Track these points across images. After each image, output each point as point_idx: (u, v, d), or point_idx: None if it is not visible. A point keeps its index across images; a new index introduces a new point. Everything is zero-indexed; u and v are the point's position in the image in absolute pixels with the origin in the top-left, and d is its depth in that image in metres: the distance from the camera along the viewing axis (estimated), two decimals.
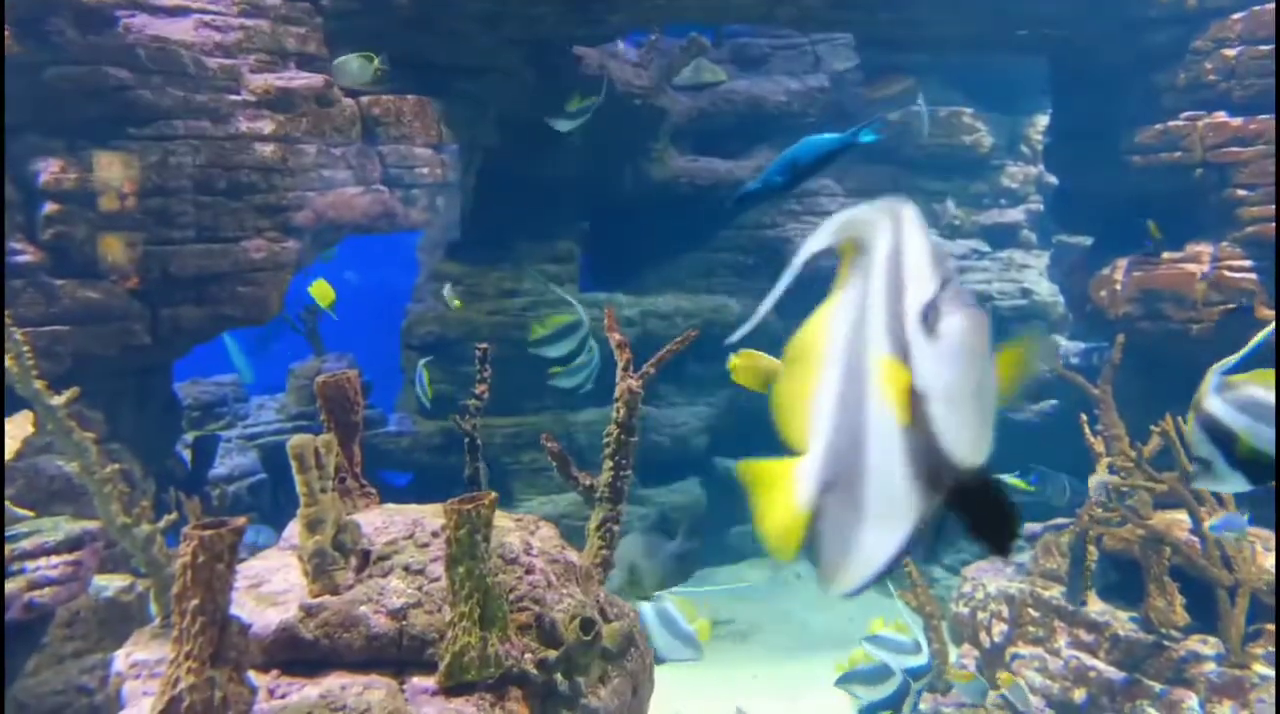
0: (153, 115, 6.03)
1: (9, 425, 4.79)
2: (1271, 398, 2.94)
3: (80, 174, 5.79)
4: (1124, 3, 7.45)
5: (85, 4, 5.74)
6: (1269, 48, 6.92)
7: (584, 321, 8.22)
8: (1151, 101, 7.57)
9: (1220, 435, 2.99)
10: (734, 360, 5.16)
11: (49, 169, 5.72)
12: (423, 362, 8.76)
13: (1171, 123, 7.40)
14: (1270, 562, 5.55)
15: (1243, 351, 3.23)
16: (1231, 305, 7.06)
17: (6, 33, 5.48)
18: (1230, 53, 7.10)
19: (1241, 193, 7.03)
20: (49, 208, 5.74)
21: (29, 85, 5.60)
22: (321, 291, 8.29)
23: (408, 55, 7.40)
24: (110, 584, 5.03)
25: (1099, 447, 6.10)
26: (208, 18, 6.52)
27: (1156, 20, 7.44)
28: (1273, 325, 3.43)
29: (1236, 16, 7.09)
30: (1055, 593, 6.25)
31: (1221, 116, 7.16)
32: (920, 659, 5.83)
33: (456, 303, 8.31)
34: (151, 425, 6.73)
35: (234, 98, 6.39)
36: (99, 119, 5.88)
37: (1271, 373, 2.97)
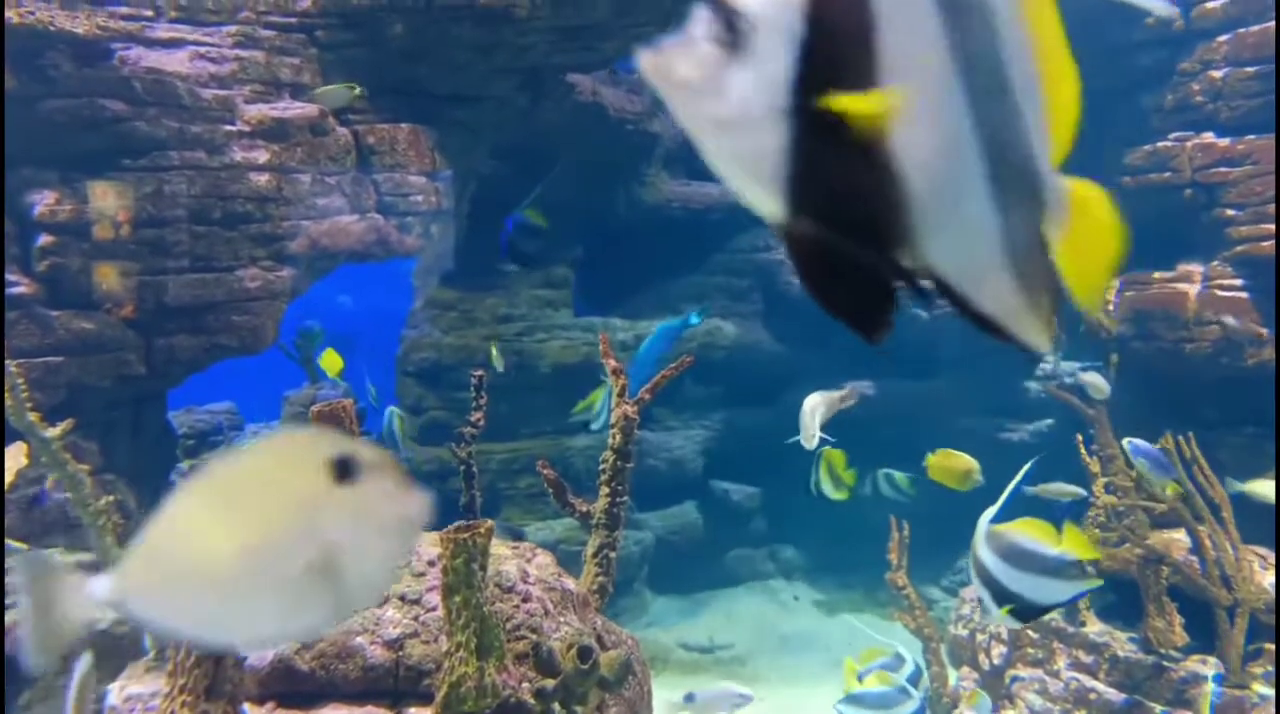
0: (148, 146, 6.06)
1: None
2: (1027, 544, 3.23)
3: (75, 206, 5.80)
4: (1110, 26, 7.53)
5: (81, 37, 5.77)
6: (1255, 69, 7.01)
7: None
8: (1140, 123, 7.64)
9: (988, 581, 3.28)
10: (930, 458, 5.43)
11: (44, 201, 5.73)
12: (366, 369, 8.90)
13: (1160, 144, 7.47)
14: (1268, 580, 5.54)
15: (1002, 499, 3.51)
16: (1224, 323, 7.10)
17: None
18: (1217, 74, 7.19)
19: (1230, 213, 7.09)
20: (44, 239, 5.75)
21: (24, 118, 5.63)
22: (330, 362, 8.41)
23: (401, 84, 7.44)
24: (105, 617, 4.98)
25: (1095, 467, 6.10)
26: (203, 49, 6.56)
27: (1143, 43, 7.53)
28: (1023, 471, 3.72)
29: (1222, 39, 7.18)
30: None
31: (1209, 137, 7.23)
32: (908, 668, 5.79)
33: (498, 364, 8.41)
34: (146, 455, 6.70)
35: (229, 128, 6.42)
36: (94, 151, 5.91)
37: (1029, 522, 3.26)
